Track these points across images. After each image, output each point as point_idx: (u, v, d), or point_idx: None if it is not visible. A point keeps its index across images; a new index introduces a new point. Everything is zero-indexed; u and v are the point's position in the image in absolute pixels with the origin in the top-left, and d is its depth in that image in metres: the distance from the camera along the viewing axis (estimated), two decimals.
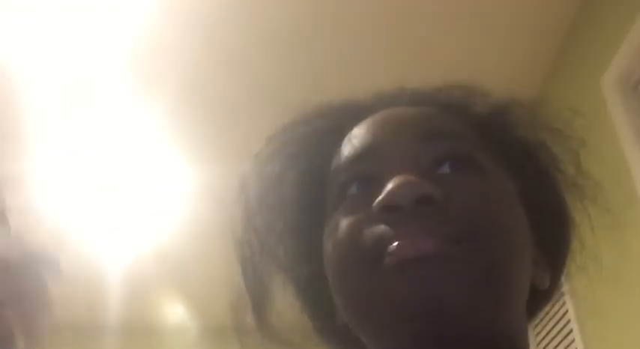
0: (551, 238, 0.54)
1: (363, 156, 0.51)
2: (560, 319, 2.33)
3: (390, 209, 0.45)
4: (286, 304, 0.57)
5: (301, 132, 0.58)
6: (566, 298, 1.92)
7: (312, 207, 0.54)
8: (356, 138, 0.52)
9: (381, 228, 0.45)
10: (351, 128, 0.54)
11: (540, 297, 0.53)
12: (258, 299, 0.56)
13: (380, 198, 0.45)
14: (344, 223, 0.48)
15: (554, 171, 0.56)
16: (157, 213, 3.10)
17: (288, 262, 0.56)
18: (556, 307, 2.13)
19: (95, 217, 3.04)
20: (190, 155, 2.87)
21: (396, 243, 0.44)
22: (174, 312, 3.67)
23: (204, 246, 3.28)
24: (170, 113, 2.65)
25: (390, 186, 0.45)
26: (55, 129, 2.61)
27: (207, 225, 3.16)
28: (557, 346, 2.38)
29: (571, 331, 2.27)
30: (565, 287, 0.58)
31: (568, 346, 2.30)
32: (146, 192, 2.99)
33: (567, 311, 2.26)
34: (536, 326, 2.43)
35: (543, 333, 2.46)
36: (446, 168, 0.48)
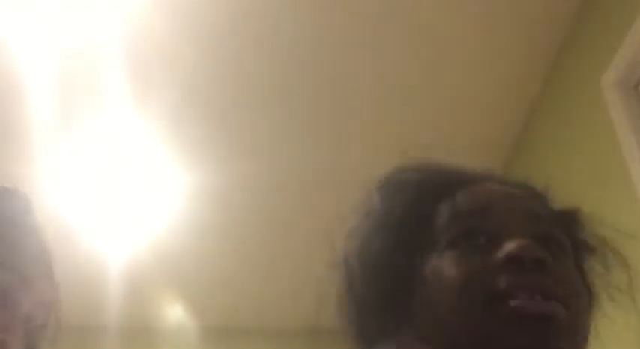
0: None
1: (481, 213, 0.60)
2: None
3: (514, 260, 0.54)
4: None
5: (409, 179, 0.67)
6: None
7: (407, 240, 0.62)
8: (468, 200, 0.62)
9: (506, 276, 0.54)
10: (455, 187, 0.63)
11: None
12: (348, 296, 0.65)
13: (507, 250, 0.55)
14: (462, 266, 0.57)
15: (598, 269, 0.66)
16: (155, 213, 3.10)
17: (374, 276, 0.64)
18: None
19: (93, 217, 3.04)
20: (189, 155, 2.87)
21: (522, 296, 0.53)
22: (173, 312, 3.67)
23: (203, 246, 3.28)
24: (169, 114, 2.65)
25: (514, 242, 0.55)
26: (54, 129, 2.61)
27: (207, 225, 3.16)
28: None
29: None
30: None
31: None
32: (144, 192, 2.99)
33: None
34: None
35: None
36: (543, 245, 0.58)
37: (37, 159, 2.68)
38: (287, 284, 3.48)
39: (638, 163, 1.91)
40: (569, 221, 0.67)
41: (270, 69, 2.51)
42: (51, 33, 2.28)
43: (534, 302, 0.53)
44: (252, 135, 2.77)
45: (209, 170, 2.88)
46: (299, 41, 2.42)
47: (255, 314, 3.80)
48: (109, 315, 3.30)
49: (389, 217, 0.64)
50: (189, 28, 2.33)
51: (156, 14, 2.26)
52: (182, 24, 2.31)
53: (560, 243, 0.60)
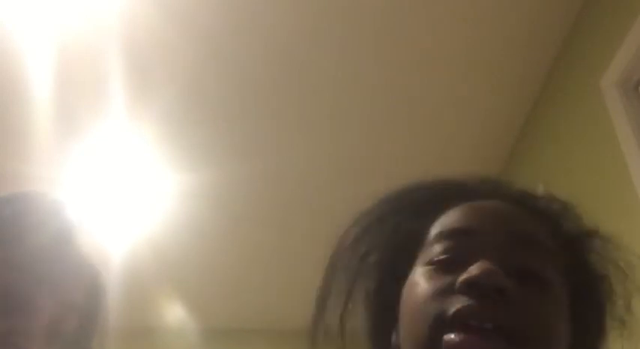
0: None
1: (457, 235, 0.59)
2: None
3: (471, 286, 0.53)
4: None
5: (409, 197, 0.67)
6: None
7: (400, 253, 0.63)
8: (456, 218, 0.61)
9: (461, 300, 0.53)
10: (451, 204, 0.63)
11: None
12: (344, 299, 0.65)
13: (466, 275, 0.53)
14: (427, 284, 0.57)
15: (606, 300, 0.63)
16: (153, 214, 3.10)
17: (370, 285, 0.65)
18: None
19: (91, 217, 3.03)
20: (189, 155, 2.87)
21: (472, 323, 0.51)
22: (172, 313, 3.67)
23: (202, 247, 3.28)
24: (167, 113, 2.65)
25: (477, 267, 0.53)
26: (52, 129, 2.61)
27: (205, 225, 3.16)
28: None
29: None
30: None
31: None
32: (143, 192, 2.99)
33: None
34: None
35: None
36: (518, 273, 0.55)
37: (35, 159, 2.68)
38: (286, 284, 3.47)
39: (638, 163, 1.90)
40: (580, 245, 0.63)
41: (267, 69, 2.51)
42: (48, 32, 2.28)
43: (468, 341, 0.50)
44: (251, 135, 2.77)
45: (208, 170, 2.88)
46: (298, 42, 2.41)
47: (253, 315, 3.79)
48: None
49: (379, 248, 0.65)
50: (188, 29, 2.33)
51: (154, 14, 2.26)
52: (180, 25, 2.31)
53: (540, 276, 0.56)
